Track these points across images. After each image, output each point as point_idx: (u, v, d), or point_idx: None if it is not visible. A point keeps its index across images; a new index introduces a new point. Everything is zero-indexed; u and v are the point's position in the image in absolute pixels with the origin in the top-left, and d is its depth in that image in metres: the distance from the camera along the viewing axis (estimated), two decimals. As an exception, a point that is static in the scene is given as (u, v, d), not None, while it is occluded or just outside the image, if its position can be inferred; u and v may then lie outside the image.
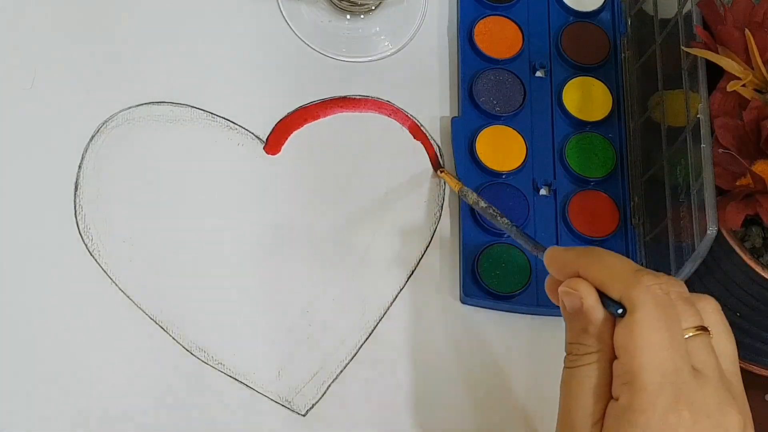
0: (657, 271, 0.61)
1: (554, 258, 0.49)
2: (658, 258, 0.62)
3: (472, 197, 0.61)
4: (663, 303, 0.44)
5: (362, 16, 0.70)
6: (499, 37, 0.69)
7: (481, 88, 0.67)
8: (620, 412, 0.43)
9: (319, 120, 0.66)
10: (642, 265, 0.63)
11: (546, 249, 0.51)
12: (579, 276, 0.47)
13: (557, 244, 0.64)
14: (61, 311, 0.59)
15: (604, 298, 0.46)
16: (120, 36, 0.66)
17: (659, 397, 0.43)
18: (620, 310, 0.45)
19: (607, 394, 0.45)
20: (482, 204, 0.60)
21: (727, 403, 0.44)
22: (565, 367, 0.47)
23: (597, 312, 0.46)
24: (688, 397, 0.43)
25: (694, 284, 0.60)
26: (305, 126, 0.66)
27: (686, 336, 0.44)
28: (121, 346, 0.59)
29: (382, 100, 0.67)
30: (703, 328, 0.45)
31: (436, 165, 0.65)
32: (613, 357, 0.45)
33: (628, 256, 0.64)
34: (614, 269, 0.46)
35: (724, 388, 0.44)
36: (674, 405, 0.42)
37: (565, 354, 0.47)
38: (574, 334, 0.47)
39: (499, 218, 0.59)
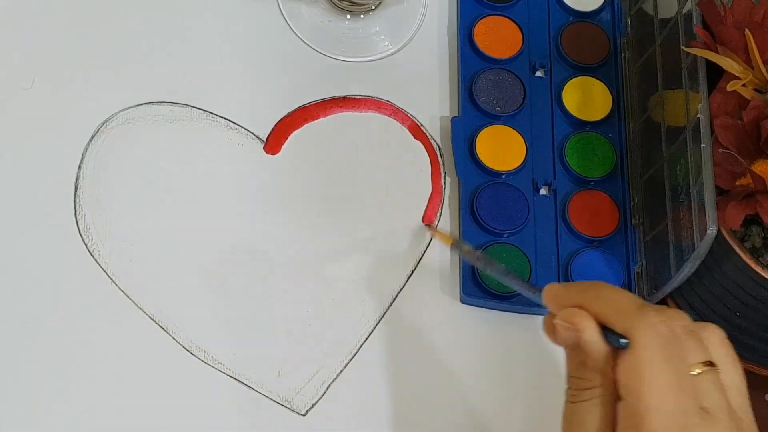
0: (656, 271, 0.61)
1: (554, 295, 0.47)
2: (658, 258, 0.62)
3: (465, 248, 0.60)
4: (669, 341, 0.43)
5: (362, 16, 0.70)
6: (499, 37, 0.69)
7: (481, 88, 0.67)
8: None
9: (319, 120, 0.66)
10: (642, 265, 0.63)
11: (541, 290, 0.49)
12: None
13: (557, 244, 0.64)
14: (61, 311, 0.59)
15: (605, 330, 0.44)
16: (120, 36, 0.66)
17: None
18: (623, 341, 0.43)
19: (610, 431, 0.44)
20: (477, 254, 0.59)
21: None
22: (566, 401, 0.46)
23: (596, 346, 0.44)
24: None
25: (694, 284, 0.60)
26: (305, 126, 0.66)
27: (693, 372, 0.43)
28: (120, 346, 0.59)
29: (382, 100, 0.67)
30: (710, 363, 0.44)
31: (427, 221, 0.64)
32: (616, 392, 0.44)
33: (628, 256, 0.64)
34: (616, 305, 0.45)
35: (735, 427, 0.43)
36: None
37: (566, 387, 0.46)
38: (573, 366, 0.46)
39: (496, 265, 0.57)
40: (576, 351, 0.45)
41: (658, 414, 0.41)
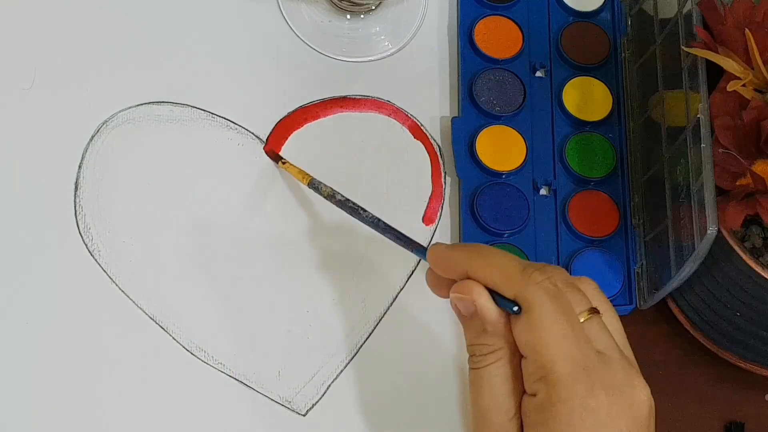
0: (656, 271, 0.61)
1: (439, 258, 0.49)
2: (658, 258, 0.62)
3: (326, 189, 0.59)
4: (555, 295, 0.46)
5: (362, 16, 0.70)
6: (499, 37, 0.69)
7: (481, 88, 0.67)
8: (541, 407, 0.45)
9: (319, 120, 0.66)
10: (642, 265, 0.63)
11: (425, 249, 0.51)
12: (468, 277, 0.48)
13: (557, 244, 0.64)
14: (61, 311, 0.59)
15: (497, 296, 0.47)
16: (120, 36, 0.66)
17: (575, 385, 0.44)
18: (515, 308, 0.46)
19: (518, 388, 0.46)
20: (339, 197, 0.58)
21: (634, 376, 0.46)
22: (471, 369, 0.48)
23: (492, 312, 0.47)
24: (600, 379, 0.44)
25: (694, 284, 0.60)
26: (305, 126, 0.66)
27: (582, 320, 0.46)
28: (120, 346, 0.59)
29: (382, 100, 0.67)
30: (594, 310, 0.47)
31: (278, 157, 0.62)
32: (517, 352, 0.46)
33: (628, 256, 0.64)
34: (502, 269, 0.47)
35: (628, 363, 0.46)
36: (590, 390, 0.44)
37: (468, 356, 0.48)
38: (473, 335, 0.48)
39: (362, 213, 0.56)
40: (473, 320, 0.48)
41: (562, 361, 0.44)
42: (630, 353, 0.48)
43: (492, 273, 0.47)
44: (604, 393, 0.44)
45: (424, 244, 0.64)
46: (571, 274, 0.63)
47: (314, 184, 0.60)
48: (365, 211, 0.56)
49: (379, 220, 0.56)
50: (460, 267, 0.48)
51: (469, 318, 0.48)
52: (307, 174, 0.61)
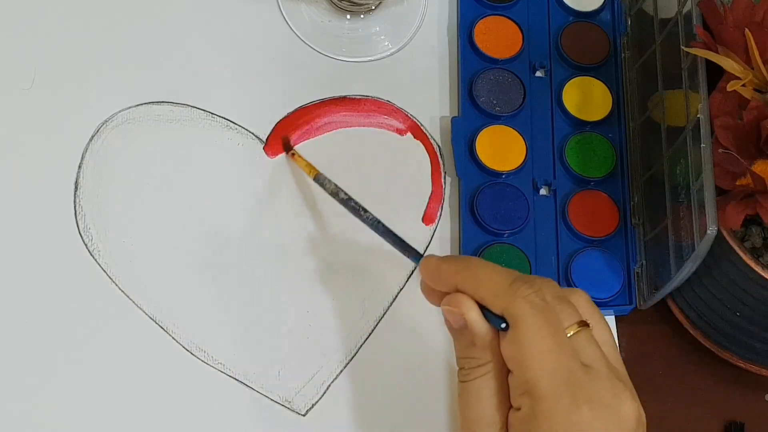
0: (656, 271, 0.61)
1: (431, 270, 0.50)
2: (658, 258, 0.62)
3: (330, 186, 0.59)
4: (542, 309, 0.46)
5: (362, 16, 0.70)
6: (499, 36, 0.69)
7: (481, 88, 0.67)
8: (525, 421, 0.45)
9: (319, 120, 0.66)
10: (642, 265, 0.63)
11: (420, 256, 0.51)
12: (458, 290, 0.48)
13: (557, 244, 0.64)
14: (61, 311, 0.59)
15: (486, 311, 0.47)
16: (120, 36, 0.66)
17: (559, 400, 0.44)
18: (503, 325, 0.46)
19: (505, 402, 0.47)
20: (342, 195, 0.58)
21: (621, 390, 0.46)
22: (460, 382, 0.48)
23: (481, 327, 0.47)
24: (584, 394, 0.44)
25: (694, 284, 0.60)
26: (305, 126, 0.66)
27: (569, 334, 0.46)
28: (120, 346, 0.59)
29: (382, 100, 0.67)
30: (583, 323, 0.47)
31: (289, 147, 0.63)
32: (505, 366, 0.46)
33: (628, 256, 0.64)
34: (491, 283, 0.47)
35: (614, 377, 0.46)
36: (574, 404, 0.44)
37: (457, 368, 0.48)
38: (462, 348, 0.48)
39: (363, 213, 0.56)
40: (464, 333, 0.48)
41: (545, 378, 0.44)
42: (620, 365, 0.48)
43: (481, 288, 0.47)
44: (588, 407, 0.44)
45: (423, 245, 0.64)
46: (570, 274, 0.63)
47: (320, 180, 0.60)
48: (366, 212, 0.56)
49: (379, 222, 0.56)
50: (451, 280, 0.48)
51: (459, 331, 0.48)
52: (314, 168, 0.61)
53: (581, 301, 0.48)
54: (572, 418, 0.44)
